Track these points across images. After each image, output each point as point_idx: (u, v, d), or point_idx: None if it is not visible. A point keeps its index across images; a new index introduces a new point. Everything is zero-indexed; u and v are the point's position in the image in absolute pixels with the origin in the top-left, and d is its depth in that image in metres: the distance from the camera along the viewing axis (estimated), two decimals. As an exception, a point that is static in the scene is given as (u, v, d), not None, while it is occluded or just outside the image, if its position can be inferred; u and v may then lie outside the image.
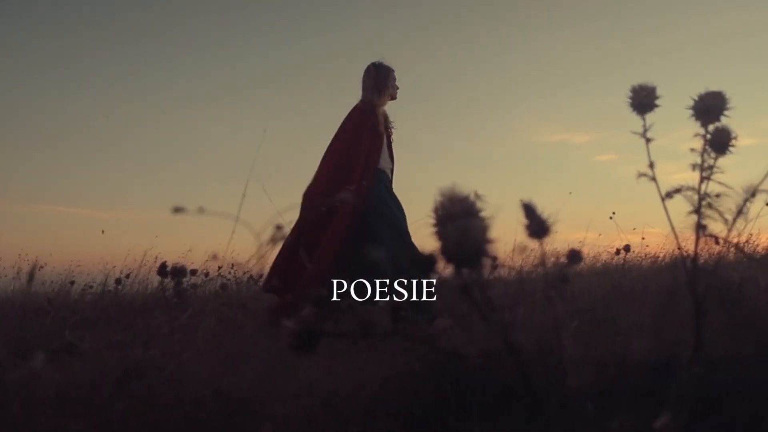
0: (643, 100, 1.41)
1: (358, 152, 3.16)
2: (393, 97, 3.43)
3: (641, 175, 1.36)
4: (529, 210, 1.06)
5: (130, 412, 1.19)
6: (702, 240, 1.34)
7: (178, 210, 0.87)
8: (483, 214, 1.19)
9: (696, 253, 1.31)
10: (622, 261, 3.13)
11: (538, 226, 1.07)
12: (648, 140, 1.38)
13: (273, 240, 0.94)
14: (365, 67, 3.42)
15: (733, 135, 1.44)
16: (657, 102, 1.42)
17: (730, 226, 1.32)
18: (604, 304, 1.67)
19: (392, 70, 3.41)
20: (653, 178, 1.35)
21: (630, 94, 1.42)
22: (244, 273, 3.59)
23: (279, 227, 0.99)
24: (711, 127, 1.42)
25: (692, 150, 1.37)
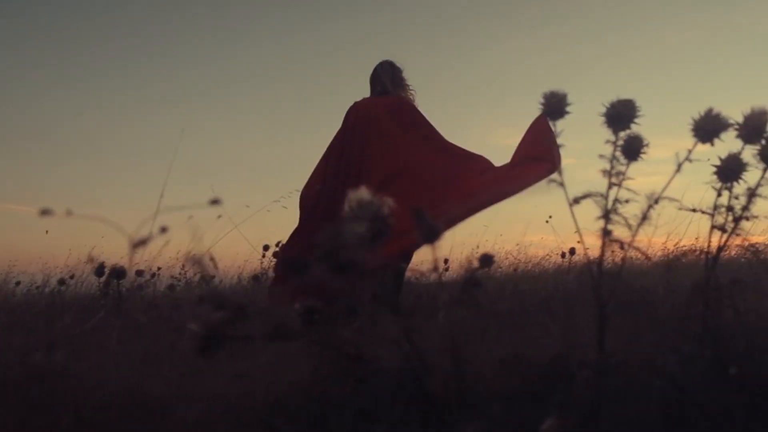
0: (554, 107, 1.43)
1: None
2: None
3: (551, 180, 1.38)
4: (419, 216, 1.06)
5: (28, 419, 1.17)
6: (617, 245, 1.36)
7: (45, 212, 0.86)
8: (390, 219, 1.21)
9: (602, 258, 1.33)
10: (567, 263, 3.18)
11: (428, 231, 1.07)
12: (558, 146, 1.39)
13: (142, 241, 0.93)
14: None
15: (645, 142, 1.47)
16: (568, 109, 1.44)
17: (635, 231, 1.34)
18: (524, 308, 1.69)
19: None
20: (561, 184, 1.37)
21: (542, 100, 1.44)
22: (195, 273, 3.57)
23: (163, 229, 0.98)
24: (623, 134, 1.45)
25: (601, 156, 1.39)
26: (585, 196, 1.35)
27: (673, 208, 1.58)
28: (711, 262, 1.44)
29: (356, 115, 3.29)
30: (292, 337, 1.27)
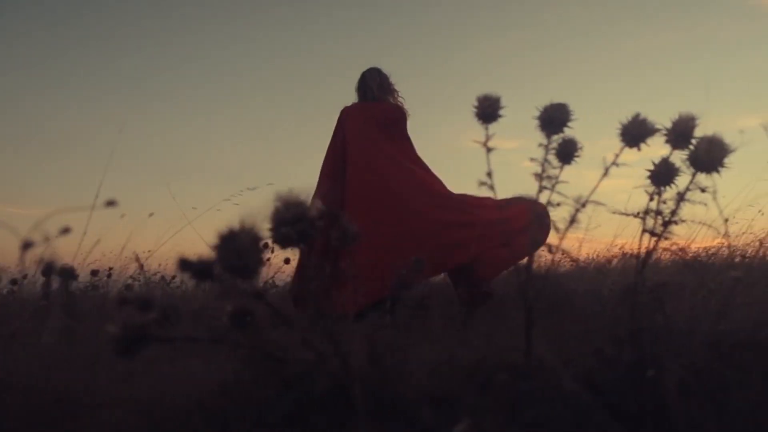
0: (487, 110, 1.43)
1: None
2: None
3: (481, 183, 1.39)
4: (334, 218, 1.06)
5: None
6: (545, 248, 1.37)
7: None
8: (318, 221, 1.21)
9: (530, 261, 1.34)
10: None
11: (345, 235, 1.07)
12: (489, 149, 1.40)
13: (29, 243, 0.91)
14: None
15: (579, 146, 1.49)
16: (501, 112, 1.45)
17: (562, 235, 1.35)
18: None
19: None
20: (491, 187, 1.38)
21: (475, 104, 1.44)
22: (155, 273, 3.54)
23: (65, 230, 0.97)
24: (557, 138, 1.46)
25: (532, 160, 1.40)
26: (514, 200, 1.35)
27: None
28: (640, 265, 1.46)
29: (353, 120, 3.30)
30: (216, 339, 1.26)
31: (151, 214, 2.96)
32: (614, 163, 1.39)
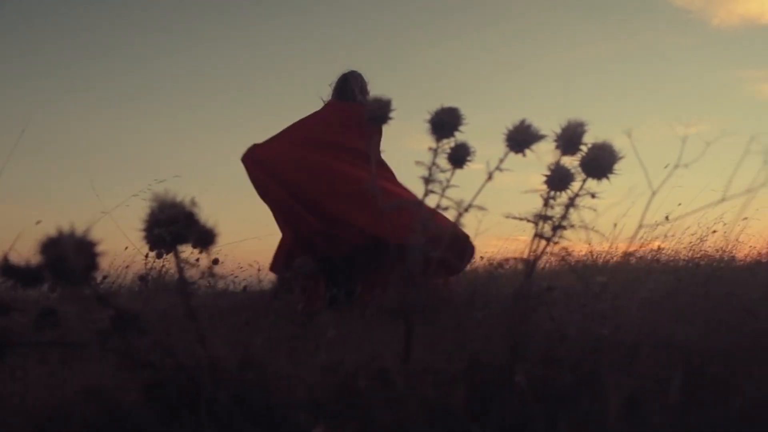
0: (377, 113, 1.43)
1: None
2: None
3: (369, 185, 1.38)
4: (191, 220, 1.04)
5: None
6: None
7: None
8: (199, 220, 1.18)
9: (414, 265, 1.34)
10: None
11: (202, 237, 1.05)
12: (380, 152, 1.39)
13: None
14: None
15: (472, 150, 1.49)
16: (391, 115, 1.44)
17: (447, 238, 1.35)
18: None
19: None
20: (377, 189, 1.37)
21: (367, 107, 1.44)
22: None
23: None
24: (447, 142, 1.46)
25: (417, 163, 1.39)
26: (399, 203, 1.35)
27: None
28: (529, 269, 1.47)
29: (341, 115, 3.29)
30: (81, 345, 1.22)
31: (38, 222, 2.86)
32: (498, 168, 1.39)
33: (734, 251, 3.66)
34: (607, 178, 1.49)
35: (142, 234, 1.18)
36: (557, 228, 1.49)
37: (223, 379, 1.17)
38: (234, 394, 1.16)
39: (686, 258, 3.39)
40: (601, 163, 1.47)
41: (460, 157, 1.48)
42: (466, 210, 1.35)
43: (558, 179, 1.52)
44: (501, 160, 1.39)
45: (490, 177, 1.39)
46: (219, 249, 3.93)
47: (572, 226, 1.49)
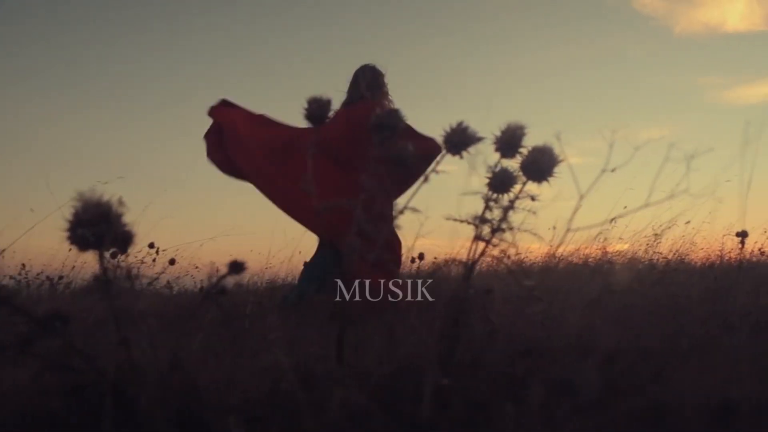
0: (315, 112, 1.42)
1: None
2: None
3: (304, 187, 1.37)
4: (111, 221, 1.01)
5: None
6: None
7: None
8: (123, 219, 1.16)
9: (350, 267, 1.33)
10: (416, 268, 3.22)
11: (120, 238, 1.03)
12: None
13: None
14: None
15: (410, 149, 1.48)
16: (330, 115, 1.43)
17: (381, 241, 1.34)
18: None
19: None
20: (312, 191, 1.36)
21: (305, 105, 1.42)
22: (38, 274, 3.37)
23: None
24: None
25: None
26: (332, 205, 1.34)
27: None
28: (467, 272, 1.47)
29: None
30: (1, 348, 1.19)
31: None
32: (434, 171, 1.39)
33: (689, 254, 3.73)
34: (547, 180, 1.49)
35: (66, 234, 1.15)
36: (496, 230, 1.49)
37: (148, 383, 1.15)
38: (159, 398, 1.14)
39: (642, 260, 3.44)
40: (540, 166, 1.48)
41: (404, 159, 1.48)
42: (401, 212, 1.35)
43: (500, 182, 1.53)
44: (437, 162, 1.38)
45: (426, 179, 1.39)
46: (177, 249, 3.89)
47: (511, 228, 1.50)
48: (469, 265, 1.48)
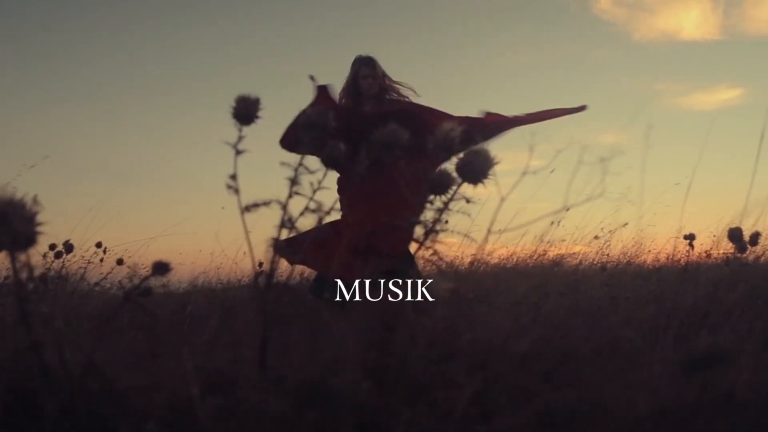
0: (243, 111, 1.38)
1: None
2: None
3: (229, 187, 1.33)
4: (5, 220, 0.97)
5: None
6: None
7: None
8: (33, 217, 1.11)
9: (272, 270, 1.30)
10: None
11: (22, 239, 0.98)
12: (238, 152, 1.34)
13: None
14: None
15: (341, 149, 1.46)
16: (259, 114, 1.40)
17: (308, 242, 1.32)
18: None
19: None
20: (236, 190, 1.32)
21: (233, 104, 1.39)
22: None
23: None
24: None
25: (283, 164, 1.35)
26: (260, 204, 1.30)
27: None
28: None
29: None
30: None
31: None
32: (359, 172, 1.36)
33: (640, 256, 3.77)
34: (482, 182, 1.48)
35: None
36: (430, 232, 1.48)
37: (61, 388, 1.11)
38: (70, 404, 1.09)
39: (594, 262, 3.47)
40: (475, 167, 1.47)
41: (334, 158, 1.45)
42: (327, 213, 1.32)
43: (438, 183, 1.51)
44: (368, 164, 1.36)
45: (355, 179, 1.36)
46: (126, 248, 3.79)
47: (445, 230, 1.48)
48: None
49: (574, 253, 3.57)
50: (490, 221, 1.35)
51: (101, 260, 3.50)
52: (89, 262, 3.49)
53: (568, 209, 1.35)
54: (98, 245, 3.46)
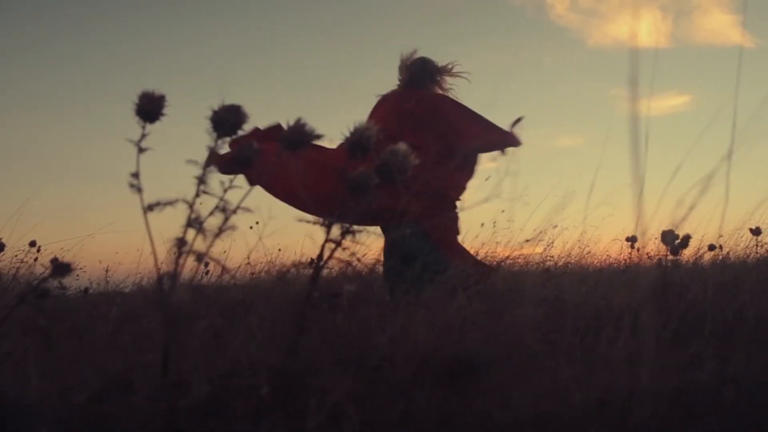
0: (146, 107, 1.34)
1: None
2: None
3: (131, 185, 1.29)
4: None
5: None
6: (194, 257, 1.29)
7: None
8: None
9: (176, 270, 1.26)
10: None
11: None
12: (141, 149, 1.30)
13: None
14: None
15: (256, 149, 1.43)
16: (164, 111, 1.36)
17: (210, 243, 1.28)
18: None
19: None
20: (139, 189, 1.28)
21: (135, 100, 1.34)
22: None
23: None
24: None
25: (189, 162, 1.31)
26: (159, 204, 1.26)
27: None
28: (314, 274, 1.42)
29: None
30: None
31: None
32: (267, 171, 1.33)
33: (585, 258, 3.81)
34: (400, 183, 1.47)
35: None
36: (346, 232, 1.46)
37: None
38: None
39: (537, 263, 3.50)
40: (392, 168, 1.45)
41: (246, 157, 1.42)
42: (234, 212, 1.29)
43: (357, 184, 1.49)
44: (273, 162, 1.33)
45: (258, 178, 1.33)
46: (63, 246, 3.67)
47: (362, 231, 1.46)
48: (317, 268, 1.44)
49: (520, 256, 3.59)
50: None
51: (35, 259, 3.39)
52: (22, 262, 3.38)
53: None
54: (32, 244, 3.35)
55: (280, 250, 3.95)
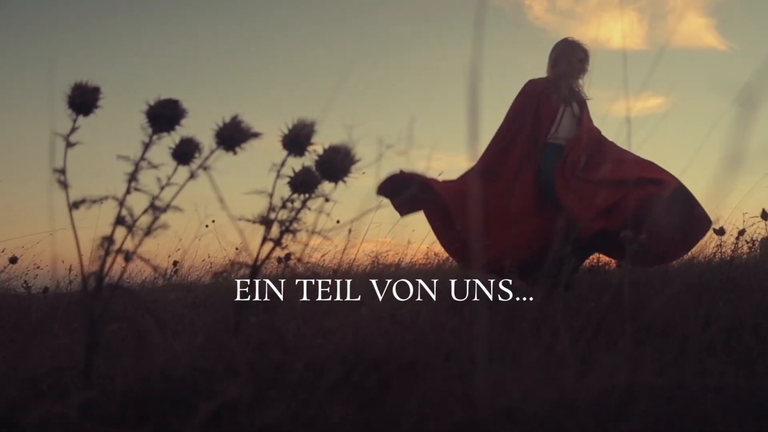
0: (78, 100, 1.30)
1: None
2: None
3: (58, 181, 1.25)
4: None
5: None
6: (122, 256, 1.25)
7: None
8: None
9: (102, 270, 1.22)
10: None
11: None
12: (70, 144, 1.26)
13: None
14: None
15: (200, 146, 1.39)
16: (98, 104, 1.32)
17: (139, 242, 1.24)
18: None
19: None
20: (66, 185, 1.24)
21: (68, 91, 1.30)
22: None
23: None
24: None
25: (120, 157, 1.27)
26: (85, 201, 1.22)
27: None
28: (252, 274, 1.39)
29: None
30: None
31: None
32: (202, 167, 1.30)
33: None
34: (343, 181, 1.44)
35: None
36: (285, 232, 1.43)
37: None
38: None
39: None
40: (334, 165, 1.42)
41: (185, 153, 1.38)
42: (164, 211, 1.25)
43: (301, 181, 1.46)
44: (206, 158, 1.30)
45: (192, 176, 1.30)
46: (23, 244, 3.58)
47: (300, 230, 1.43)
48: (255, 268, 1.40)
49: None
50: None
51: (15, 260, 3.30)
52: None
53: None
54: (-11, 243, 3.28)
55: (237, 249, 3.89)
